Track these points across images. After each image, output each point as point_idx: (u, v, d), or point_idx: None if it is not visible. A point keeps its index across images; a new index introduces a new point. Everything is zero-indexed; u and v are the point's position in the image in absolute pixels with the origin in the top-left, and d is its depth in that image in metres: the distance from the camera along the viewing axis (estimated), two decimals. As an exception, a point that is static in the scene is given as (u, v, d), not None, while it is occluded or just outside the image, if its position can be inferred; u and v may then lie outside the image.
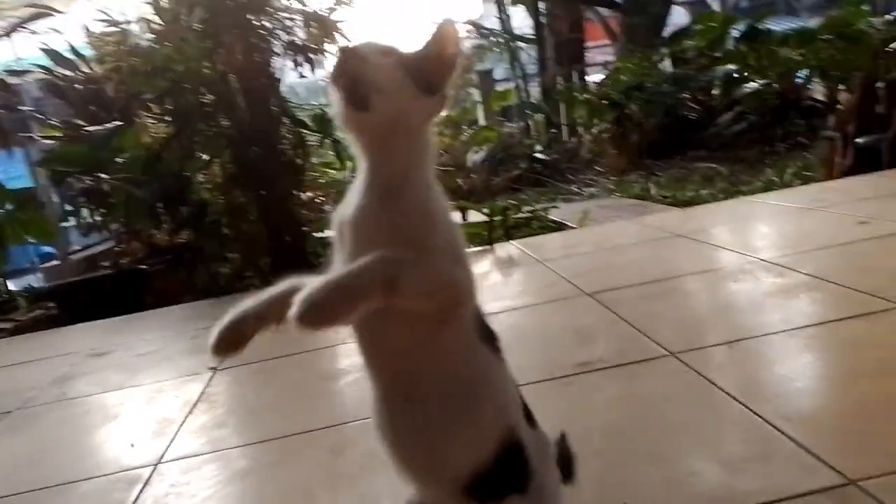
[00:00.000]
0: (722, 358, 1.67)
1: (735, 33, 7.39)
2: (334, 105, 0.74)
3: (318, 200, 6.64)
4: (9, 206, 4.08)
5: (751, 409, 1.37)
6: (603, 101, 7.41)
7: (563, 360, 1.80)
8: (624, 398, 1.56)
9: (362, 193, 0.76)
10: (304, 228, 4.42)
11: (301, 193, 4.53)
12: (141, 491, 1.46)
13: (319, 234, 4.89)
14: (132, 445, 1.72)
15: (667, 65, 7.62)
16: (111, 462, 1.66)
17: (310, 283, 0.72)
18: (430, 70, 0.74)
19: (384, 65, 0.72)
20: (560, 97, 8.93)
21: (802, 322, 1.81)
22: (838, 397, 1.44)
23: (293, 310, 0.69)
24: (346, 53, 0.73)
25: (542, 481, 0.83)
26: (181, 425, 1.79)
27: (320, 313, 0.70)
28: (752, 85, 6.63)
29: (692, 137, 7.08)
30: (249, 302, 0.80)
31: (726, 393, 1.46)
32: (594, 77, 9.78)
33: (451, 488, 0.79)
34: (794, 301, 1.99)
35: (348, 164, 6.62)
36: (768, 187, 4.55)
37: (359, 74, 0.71)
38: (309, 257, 4.36)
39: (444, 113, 0.80)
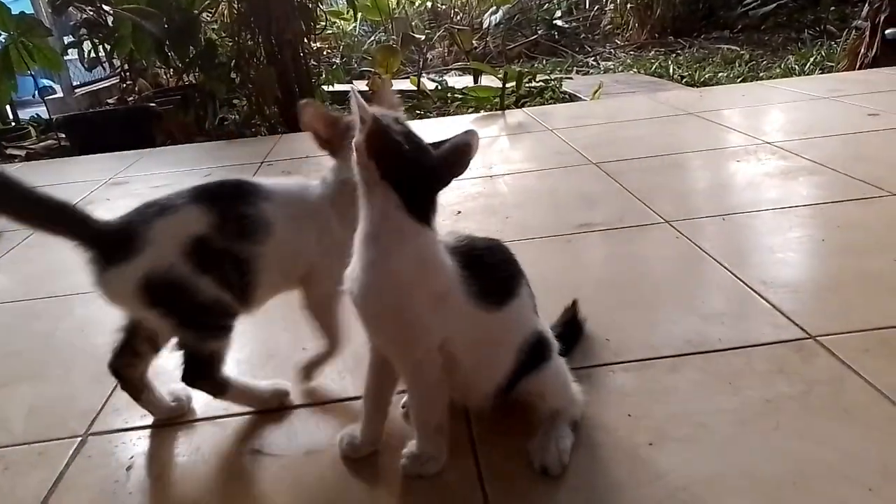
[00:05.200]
0: (714, 228, 1.78)
1: None
2: (355, 161, 0.84)
3: (328, 52, 6.46)
4: (13, 32, 3.93)
5: (733, 273, 1.49)
6: (632, -32, 7.00)
7: (566, 220, 1.91)
8: (618, 256, 1.69)
9: (367, 247, 0.87)
10: (313, 80, 4.35)
11: (311, 42, 4.39)
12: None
13: (329, 88, 4.81)
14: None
15: (705, -68, 7.10)
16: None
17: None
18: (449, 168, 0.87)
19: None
20: (588, -42, 8.39)
21: (796, 202, 1.90)
22: (816, 269, 1.56)
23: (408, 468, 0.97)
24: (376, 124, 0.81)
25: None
26: (205, 251, 1.92)
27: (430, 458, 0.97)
28: (791, -37, 6.24)
29: (719, 17, 6.79)
30: None
31: (713, 258, 1.58)
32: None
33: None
34: (791, 183, 2.07)
35: (360, 15, 6.40)
36: (787, 74, 4.46)
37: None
38: (317, 109, 4.33)
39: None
